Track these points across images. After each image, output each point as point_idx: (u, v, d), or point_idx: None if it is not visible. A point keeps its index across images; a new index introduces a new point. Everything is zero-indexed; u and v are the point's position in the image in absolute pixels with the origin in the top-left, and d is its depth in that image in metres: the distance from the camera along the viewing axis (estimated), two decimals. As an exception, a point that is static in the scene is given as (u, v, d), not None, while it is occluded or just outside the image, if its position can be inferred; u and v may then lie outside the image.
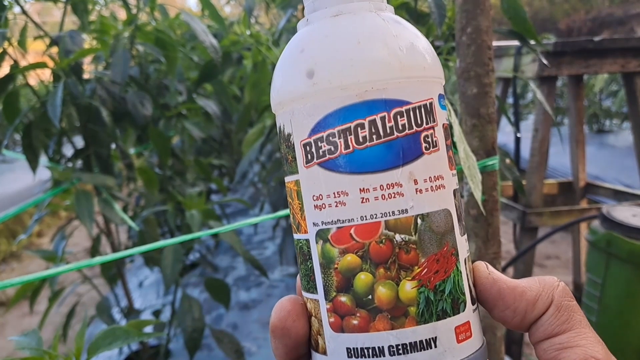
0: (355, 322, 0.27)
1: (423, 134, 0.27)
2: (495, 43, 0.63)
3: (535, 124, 1.66)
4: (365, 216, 0.27)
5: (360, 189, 0.27)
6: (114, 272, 1.46)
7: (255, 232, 3.11)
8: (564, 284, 0.28)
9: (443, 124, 0.28)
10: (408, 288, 0.26)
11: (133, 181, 1.55)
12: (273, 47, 1.32)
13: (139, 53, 1.39)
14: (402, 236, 0.26)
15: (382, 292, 0.26)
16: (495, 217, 0.63)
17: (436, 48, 0.89)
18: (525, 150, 1.77)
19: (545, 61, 0.96)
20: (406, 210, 0.26)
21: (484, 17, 0.60)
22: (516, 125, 1.59)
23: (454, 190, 0.29)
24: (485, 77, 0.60)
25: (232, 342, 1.29)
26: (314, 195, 0.28)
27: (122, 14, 1.56)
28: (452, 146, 0.30)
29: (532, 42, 0.78)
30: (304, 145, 0.28)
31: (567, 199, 1.98)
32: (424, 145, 0.27)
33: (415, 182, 0.27)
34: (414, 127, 0.27)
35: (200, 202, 1.29)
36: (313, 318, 0.29)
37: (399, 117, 0.27)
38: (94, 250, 1.36)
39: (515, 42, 1.51)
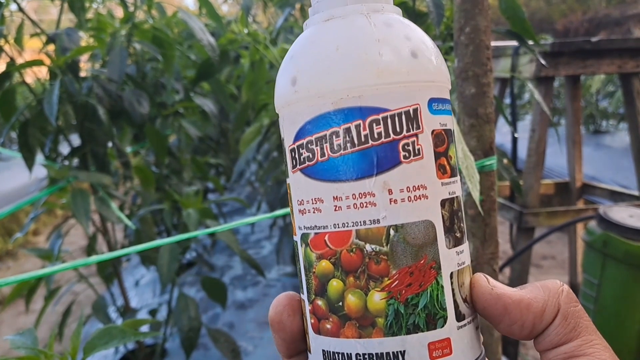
0: (328, 326, 0.27)
1: (402, 142, 0.26)
2: (492, 43, 0.63)
3: (533, 125, 1.67)
4: (338, 224, 0.27)
5: (333, 197, 0.27)
6: (110, 271, 1.46)
7: (252, 231, 3.10)
8: (568, 287, 0.27)
9: (433, 130, 0.27)
10: (376, 299, 0.26)
11: (129, 180, 1.55)
12: (270, 46, 1.32)
13: (136, 51, 1.39)
14: (373, 246, 0.26)
15: (351, 300, 0.26)
16: (493, 217, 0.62)
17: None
18: (522, 151, 1.77)
19: (543, 61, 0.96)
20: (378, 220, 0.26)
21: (482, 16, 0.60)
22: (513, 125, 1.59)
23: (444, 200, 0.27)
24: (483, 77, 0.60)
25: (228, 342, 1.29)
26: (298, 200, 0.28)
27: (119, 12, 1.55)
28: (447, 152, 0.28)
29: (530, 42, 0.78)
30: (291, 151, 0.28)
31: (564, 199, 1.99)
32: (402, 154, 0.26)
33: (390, 192, 0.26)
34: (392, 135, 0.26)
35: (197, 201, 1.28)
36: (304, 316, 0.30)
37: (374, 125, 0.26)
38: (90, 249, 1.36)
39: (513, 43, 1.51)
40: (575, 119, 1.81)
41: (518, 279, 1.68)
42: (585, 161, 1.98)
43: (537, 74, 1.57)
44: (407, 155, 0.26)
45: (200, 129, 1.59)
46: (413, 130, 0.26)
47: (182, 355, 1.65)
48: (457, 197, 0.28)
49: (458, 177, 0.29)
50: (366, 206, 0.26)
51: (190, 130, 1.52)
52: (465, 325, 0.27)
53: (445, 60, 0.87)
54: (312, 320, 0.28)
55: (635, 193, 1.78)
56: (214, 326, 1.87)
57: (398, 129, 0.26)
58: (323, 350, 0.28)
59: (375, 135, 0.26)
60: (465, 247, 0.28)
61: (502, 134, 3.86)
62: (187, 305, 1.23)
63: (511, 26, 0.76)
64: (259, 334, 1.89)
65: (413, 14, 0.86)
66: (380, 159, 0.26)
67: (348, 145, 0.26)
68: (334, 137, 0.26)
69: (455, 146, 0.29)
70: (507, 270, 2.23)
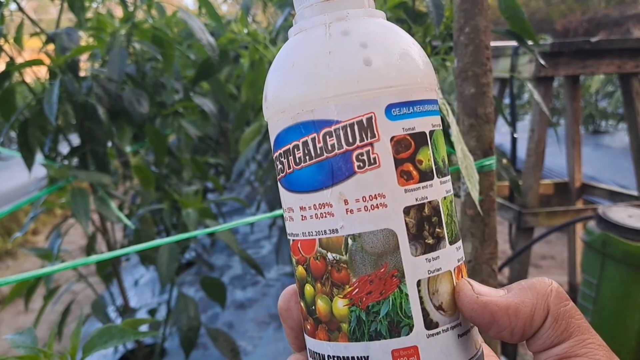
0: (308, 327, 0.29)
1: (356, 153, 0.26)
2: (492, 43, 0.63)
3: (532, 125, 1.67)
4: (305, 232, 0.28)
5: (300, 207, 0.28)
6: (109, 271, 1.45)
7: (252, 231, 3.10)
8: (557, 285, 0.27)
9: (393, 137, 0.26)
10: (340, 305, 0.27)
11: (129, 179, 1.55)
12: (270, 46, 1.32)
13: (136, 51, 1.39)
14: (334, 255, 0.27)
15: (320, 305, 0.27)
16: (492, 217, 0.63)
17: (434, 48, 0.89)
18: (522, 151, 1.78)
19: (542, 61, 0.96)
20: (336, 230, 0.27)
21: (482, 16, 0.60)
22: (513, 125, 1.59)
23: (408, 207, 0.26)
24: (483, 77, 0.60)
25: (227, 341, 1.29)
26: (283, 208, 0.30)
27: (119, 12, 1.55)
28: (414, 157, 0.27)
29: (530, 42, 0.78)
30: (274, 161, 0.30)
31: (563, 199, 1.99)
32: (356, 164, 0.26)
33: (346, 202, 0.26)
34: (344, 146, 0.26)
35: (196, 201, 1.28)
36: None
37: (327, 137, 0.26)
38: (89, 249, 1.35)
39: (512, 43, 1.51)
40: (575, 119, 1.81)
41: (517, 279, 1.67)
42: (585, 161, 1.98)
43: (537, 74, 1.57)
44: (361, 165, 0.26)
45: (200, 128, 1.59)
46: (367, 139, 0.26)
47: (181, 355, 1.65)
48: (430, 202, 0.27)
49: (436, 180, 0.28)
50: (325, 216, 0.27)
51: (189, 129, 1.52)
52: (439, 333, 0.27)
53: (445, 60, 0.87)
54: (302, 319, 0.30)
55: (634, 193, 1.78)
56: (214, 326, 1.87)
57: (351, 140, 0.26)
58: (308, 349, 0.29)
59: (329, 147, 0.26)
60: (444, 252, 0.27)
61: (501, 134, 3.86)
62: (186, 305, 1.23)
63: (511, 26, 0.76)
64: (258, 334, 1.90)
65: (413, 14, 0.86)
66: (335, 170, 0.26)
67: (307, 157, 0.27)
68: (295, 150, 0.27)
69: (433, 148, 0.28)
70: (506, 270, 2.23)
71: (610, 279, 1.25)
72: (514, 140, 1.66)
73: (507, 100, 2.19)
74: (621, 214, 1.27)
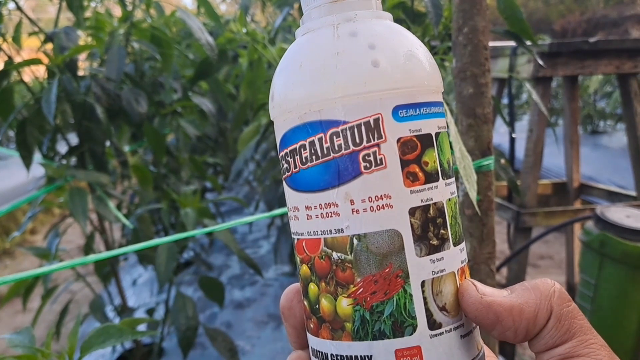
0: (311, 325, 0.29)
1: (362, 153, 0.26)
2: (490, 43, 0.63)
3: (530, 125, 1.67)
4: (310, 232, 0.28)
5: (305, 207, 0.28)
6: (107, 270, 1.45)
7: (250, 230, 3.10)
8: (560, 286, 0.27)
9: (400, 138, 0.27)
10: (344, 304, 0.27)
11: (127, 179, 1.54)
12: (269, 46, 1.32)
13: (135, 50, 1.38)
14: (339, 254, 0.27)
15: (324, 304, 0.28)
16: (490, 217, 0.63)
17: (432, 48, 0.89)
18: (520, 151, 1.78)
19: (541, 62, 0.97)
20: (342, 229, 0.27)
21: (480, 17, 0.60)
22: (511, 125, 1.60)
23: (413, 209, 0.27)
24: (481, 77, 0.60)
25: (225, 341, 1.29)
26: (288, 207, 0.30)
27: (117, 11, 1.55)
28: (420, 159, 0.27)
29: (528, 42, 0.78)
30: (279, 160, 0.30)
31: (561, 199, 1.99)
32: (362, 164, 0.26)
33: (352, 202, 0.26)
34: (351, 146, 0.26)
35: (194, 200, 1.28)
36: None
37: (334, 137, 0.27)
38: (87, 248, 1.35)
39: (511, 43, 1.51)
40: (573, 119, 1.82)
41: (515, 279, 1.68)
42: (583, 161, 1.98)
43: (535, 74, 1.57)
44: (368, 165, 0.26)
45: (199, 128, 1.59)
46: (374, 140, 0.26)
47: (179, 355, 1.65)
48: (435, 203, 0.27)
49: (441, 182, 0.28)
50: (331, 216, 0.27)
51: (188, 129, 1.52)
52: (442, 334, 0.27)
53: (444, 60, 0.87)
54: (304, 318, 0.30)
55: (633, 193, 1.78)
56: (212, 325, 1.87)
57: (358, 140, 0.26)
58: (311, 347, 0.30)
59: (336, 148, 0.27)
60: (448, 253, 0.28)
61: (499, 134, 3.86)
62: (184, 305, 1.23)
63: (509, 26, 0.76)
64: (256, 333, 1.90)
65: (411, 14, 0.86)
66: (342, 170, 0.27)
67: (313, 157, 0.27)
68: (302, 149, 0.28)
69: (439, 150, 0.28)
70: (504, 270, 2.23)
71: (608, 279, 1.25)
72: (512, 140, 1.66)
73: (505, 101, 2.20)
74: (619, 214, 1.27)
